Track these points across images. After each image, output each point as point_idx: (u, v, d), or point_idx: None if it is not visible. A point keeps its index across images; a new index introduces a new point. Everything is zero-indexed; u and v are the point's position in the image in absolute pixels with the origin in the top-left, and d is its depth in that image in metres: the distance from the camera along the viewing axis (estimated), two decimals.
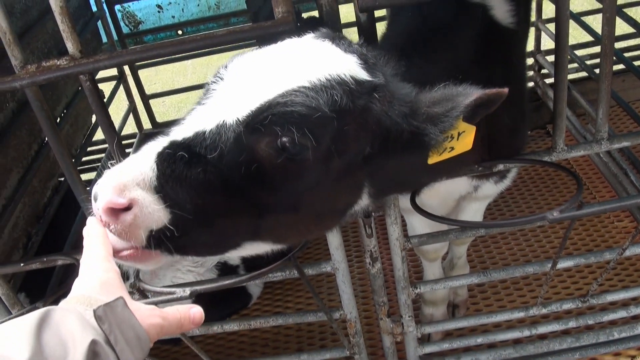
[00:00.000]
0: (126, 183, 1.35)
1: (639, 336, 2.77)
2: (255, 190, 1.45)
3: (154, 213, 1.37)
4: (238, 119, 1.39)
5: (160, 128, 4.60)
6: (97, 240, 1.38)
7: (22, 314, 1.65)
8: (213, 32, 1.71)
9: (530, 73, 4.35)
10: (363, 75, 1.48)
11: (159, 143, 1.42)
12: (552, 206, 3.73)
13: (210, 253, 1.70)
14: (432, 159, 1.59)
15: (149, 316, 1.26)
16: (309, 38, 1.56)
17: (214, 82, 1.54)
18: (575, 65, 4.24)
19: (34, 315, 1.13)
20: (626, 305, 2.67)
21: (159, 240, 1.41)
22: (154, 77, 7.68)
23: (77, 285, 1.31)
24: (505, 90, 1.47)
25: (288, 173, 1.43)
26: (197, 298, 3.05)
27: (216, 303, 3.34)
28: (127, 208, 1.35)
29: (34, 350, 1.05)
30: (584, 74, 4.31)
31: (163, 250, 1.45)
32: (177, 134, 1.43)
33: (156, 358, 2.41)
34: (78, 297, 1.24)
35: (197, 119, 1.45)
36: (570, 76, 4.45)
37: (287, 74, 1.43)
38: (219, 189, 1.42)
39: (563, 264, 2.37)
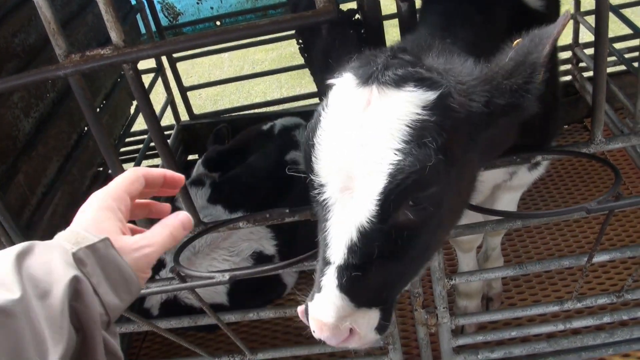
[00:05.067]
0: (335, 323, 1.53)
1: None
2: (411, 241, 1.56)
3: (371, 320, 1.60)
4: (371, 219, 1.47)
5: (197, 119, 4.68)
6: (119, 179, 1.33)
7: None
8: (255, 22, 1.73)
9: (568, 66, 4.31)
10: (429, 95, 1.46)
11: (330, 276, 1.53)
12: (588, 199, 3.69)
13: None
14: None
15: (135, 249, 1.23)
16: (352, 84, 1.53)
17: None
18: (614, 58, 4.19)
19: (15, 248, 1.09)
20: None
21: None
22: (191, 70, 7.75)
23: (74, 220, 1.27)
24: (568, 13, 1.50)
25: (430, 215, 1.53)
26: (234, 287, 3.12)
27: (253, 292, 3.37)
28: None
29: (13, 281, 1.01)
30: (622, 67, 4.25)
31: None
32: (332, 257, 1.54)
33: (192, 345, 2.44)
34: (67, 233, 1.19)
35: (331, 234, 1.55)
36: (608, 69, 4.40)
37: (377, 146, 1.45)
38: (390, 266, 1.57)
39: (599, 258, 2.36)
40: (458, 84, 1.50)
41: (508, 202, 2.67)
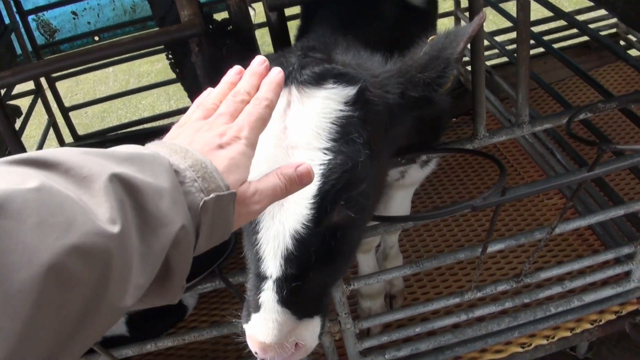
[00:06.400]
0: (280, 341, 1.47)
1: (576, 309, 2.83)
2: (343, 240, 1.53)
3: (315, 330, 1.56)
4: (306, 224, 1.42)
5: (82, 140, 4.48)
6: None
7: None
8: (119, 39, 1.66)
9: None
10: (349, 90, 1.44)
11: (268, 292, 1.47)
12: (482, 190, 3.78)
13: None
14: None
15: (246, 205, 1.09)
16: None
17: None
18: (497, 50, 4.33)
19: (119, 157, 0.94)
20: (561, 280, 2.72)
21: None
22: (75, 88, 7.48)
23: (208, 136, 1.11)
24: (484, 14, 1.53)
25: (360, 211, 1.51)
26: (133, 316, 2.99)
27: (151, 319, 3.24)
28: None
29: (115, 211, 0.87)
30: (505, 59, 4.39)
31: None
32: (267, 270, 1.47)
33: None
34: (195, 159, 1.02)
35: (263, 247, 1.47)
36: (493, 61, 4.55)
37: (305, 147, 1.40)
38: (326, 269, 1.53)
39: (494, 248, 2.40)
40: (372, 77, 1.50)
41: (402, 200, 2.68)
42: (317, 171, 1.37)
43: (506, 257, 3.30)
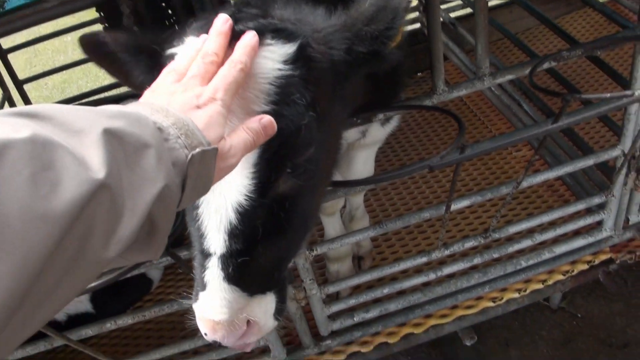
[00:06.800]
0: (230, 319, 1.40)
1: (548, 261, 2.82)
2: (293, 211, 1.44)
3: (268, 307, 1.48)
4: (249, 195, 1.34)
5: None
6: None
7: None
8: (42, 5, 1.54)
9: (416, 14, 4.28)
10: (288, 48, 1.33)
11: (213, 269, 1.39)
12: (447, 144, 3.70)
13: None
14: None
15: (224, 159, 1.14)
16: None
17: None
18: (461, 1, 4.23)
19: (104, 115, 0.97)
20: (532, 233, 2.71)
21: None
22: (34, 60, 7.26)
23: (187, 97, 1.16)
24: None
25: (309, 179, 1.43)
26: (96, 294, 2.92)
27: (117, 294, 3.19)
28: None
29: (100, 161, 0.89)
30: (470, 10, 4.30)
31: None
32: (211, 247, 1.39)
33: None
34: (176, 118, 1.06)
35: (205, 222, 1.39)
36: (457, 13, 4.45)
37: (242, 111, 1.29)
38: (277, 243, 1.45)
39: (459, 205, 2.35)
40: (315, 33, 1.40)
41: (365, 159, 2.61)
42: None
43: (475, 212, 3.26)
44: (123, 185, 0.92)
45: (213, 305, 1.39)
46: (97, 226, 0.87)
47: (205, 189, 1.11)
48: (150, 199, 0.95)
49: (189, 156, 1.02)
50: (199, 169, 1.05)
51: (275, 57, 1.31)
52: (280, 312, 1.54)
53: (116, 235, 0.91)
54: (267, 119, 1.22)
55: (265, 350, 2.66)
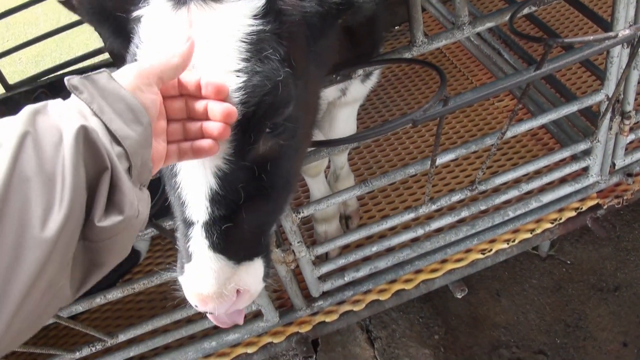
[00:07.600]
0: (219, 290, 1.37)
1: (535, 210, 2.83)
2: (275, 172, 1.41)
3: (257, 273, 1.46)
4: (228, 159, 1.30)
5: (14, 89, 4.22)
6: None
7: None
8: None
9: None
10: (257, 1, 1.28)
11: (197, 238, 1.36)
12: (429, 98, 3.65)
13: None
14: None
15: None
16: (164, 8, 1.30)
17: None
18: None
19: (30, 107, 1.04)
20: (518, 183, 2.70)
21: None
22: (6, 34, 7.11)
23: None
24: None
25: (289, 138, 1.40)
26: None
27: None
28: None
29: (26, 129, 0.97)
30: None
31: None
32: (193, 215, 1.35)
33: (46, 347, 2.23)
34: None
35: (185, 189, 1.35)
36: None
37: (214, 72, 1.25)
38: (261, 206, 1.43)
39: (444, 158, 2.33)
40: None
41: (347, 117, 2.57)
42: (233, 98, 1.24)
43: (460, 165, 3.23)
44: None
45: (200, 277, 1.35)
46: (31, 200, 0.92)
47: (135, 110, 1.09)
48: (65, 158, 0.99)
49: (66, 81, 1.08)
50: (100, 92, 1.07)
51: (244, 12, 1.26)
52: (266, 275, 1.52)
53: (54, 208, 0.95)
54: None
55: (257, 314, 2.65)
